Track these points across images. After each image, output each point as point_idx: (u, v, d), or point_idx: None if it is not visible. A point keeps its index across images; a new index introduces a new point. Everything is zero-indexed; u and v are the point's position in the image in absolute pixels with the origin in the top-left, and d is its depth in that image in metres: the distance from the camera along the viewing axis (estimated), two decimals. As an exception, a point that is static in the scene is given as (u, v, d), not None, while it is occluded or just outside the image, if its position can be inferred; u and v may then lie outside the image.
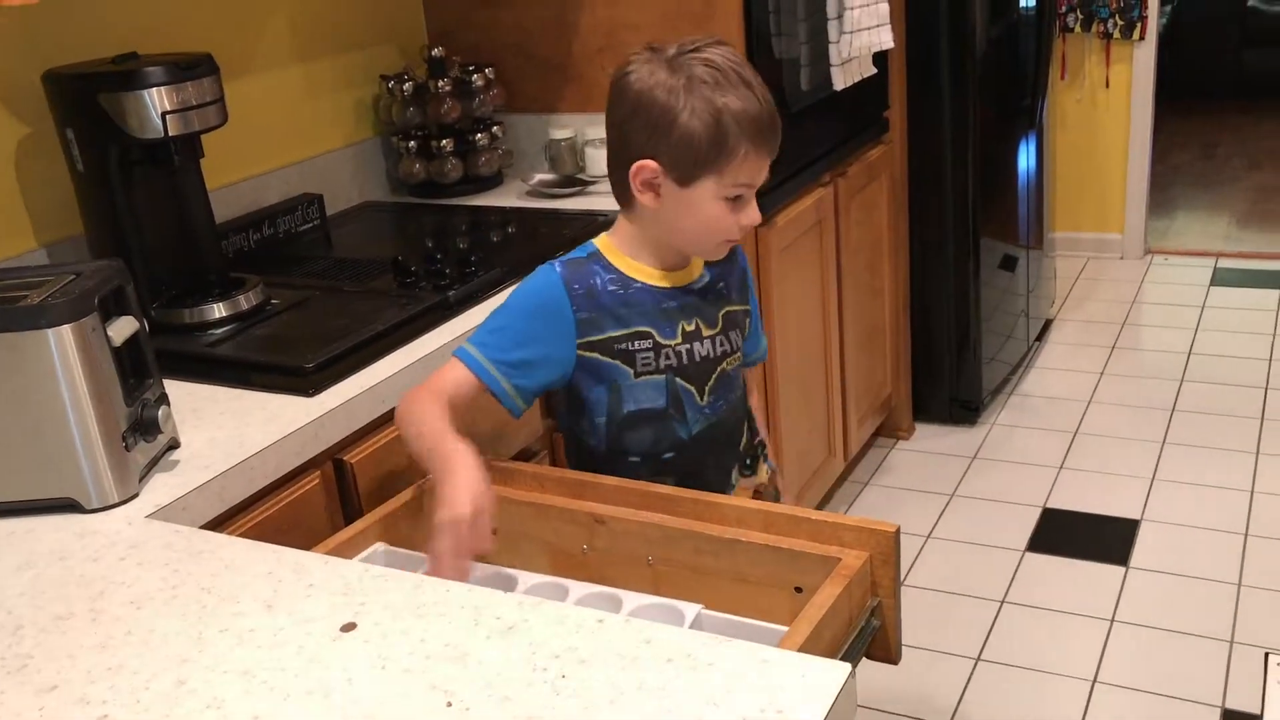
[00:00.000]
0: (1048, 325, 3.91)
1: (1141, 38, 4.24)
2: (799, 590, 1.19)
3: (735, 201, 1.31)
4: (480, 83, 2.36)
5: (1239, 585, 2.50)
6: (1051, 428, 3.26)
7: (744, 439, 1.52)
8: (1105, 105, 4.39)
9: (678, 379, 1.39)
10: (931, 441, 3.26)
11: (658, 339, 1.38)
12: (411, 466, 1.40)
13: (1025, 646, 2.38)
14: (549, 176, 2.35)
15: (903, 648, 1.25)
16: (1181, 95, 6.26)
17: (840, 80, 2.51)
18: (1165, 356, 3.67)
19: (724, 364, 1.43)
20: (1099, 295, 4.17)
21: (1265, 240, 4.64)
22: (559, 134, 2.38)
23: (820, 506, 2.91)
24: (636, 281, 1.38)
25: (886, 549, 1.17)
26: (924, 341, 3.28)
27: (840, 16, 2.45)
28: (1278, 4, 6.63)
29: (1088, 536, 2.74)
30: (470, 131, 2.35)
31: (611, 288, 1.37)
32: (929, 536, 2.80)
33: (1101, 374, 3.58)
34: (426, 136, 2.34)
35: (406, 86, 2.32)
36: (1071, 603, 2.50)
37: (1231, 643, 2.33)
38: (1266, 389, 3.36)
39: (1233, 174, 5.55)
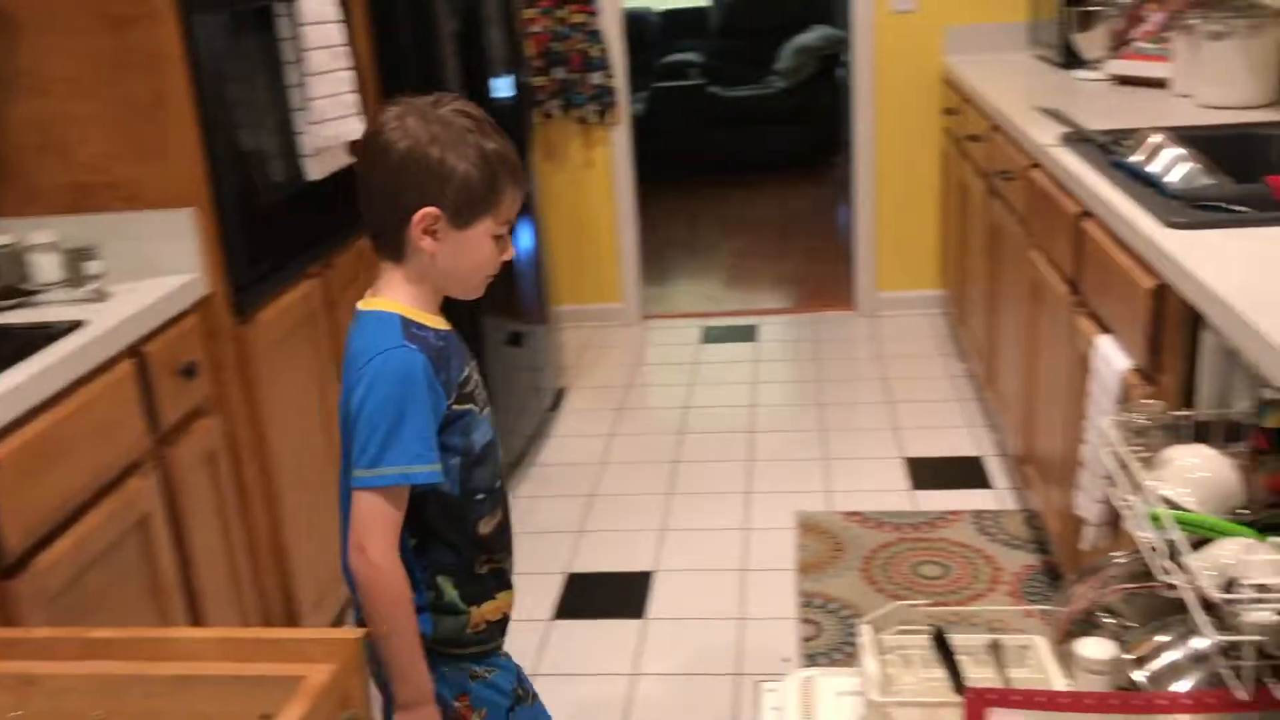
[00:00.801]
0: (561, 395, 4.07)
1: (616, 122, 4.58)
2: (267, 717, 1.10)
3: (498, 240, 1.45)
4: (-113, 188, 2.06)
5: (741, 620, 2.70)
6: (570, 493, 3.38)
7: None
8: (592, 185, 4.68)
9: (488, 410, 1.53)
10: (457, 524, 3.25)
11: (474, 374, 1.52)
12: None
13: (556, 716, 2.41)
14: (-15, 289, 2.08)
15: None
16: (664, 173, 6.86)
17: (314, 170, 2.46)
18: (667, 412, 3.94)
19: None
20: (606, 362, 4.41)
21: (743, 299, 5.15)
22: (-5, 241, 2.13)
23: (347, 608, 2.79)
24: (441, 330, 1.47)
25: (354, 658, 1.12)
26: (440, 425, 3.27)
27: (305, 108, 2.41)
28: (733, 90, 7.47)
29: (608, 595, 2.84)
30: (-121, 244, 2.04)
31: (439, 343, 1.45)
32: (459, 621, 2.78)
33: (612, 435, 3.77)
34: None
35: None
36: (598, 664, 2.58)
37: (737, 675, 2.50)
38: (751, 432, 3.70)
39: (714, 242, 6.14)
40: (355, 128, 2.56)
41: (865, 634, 1.66)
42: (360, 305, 1.49)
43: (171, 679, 1.11)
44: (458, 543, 1.52)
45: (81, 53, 2.07)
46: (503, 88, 3.49)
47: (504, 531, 1.58)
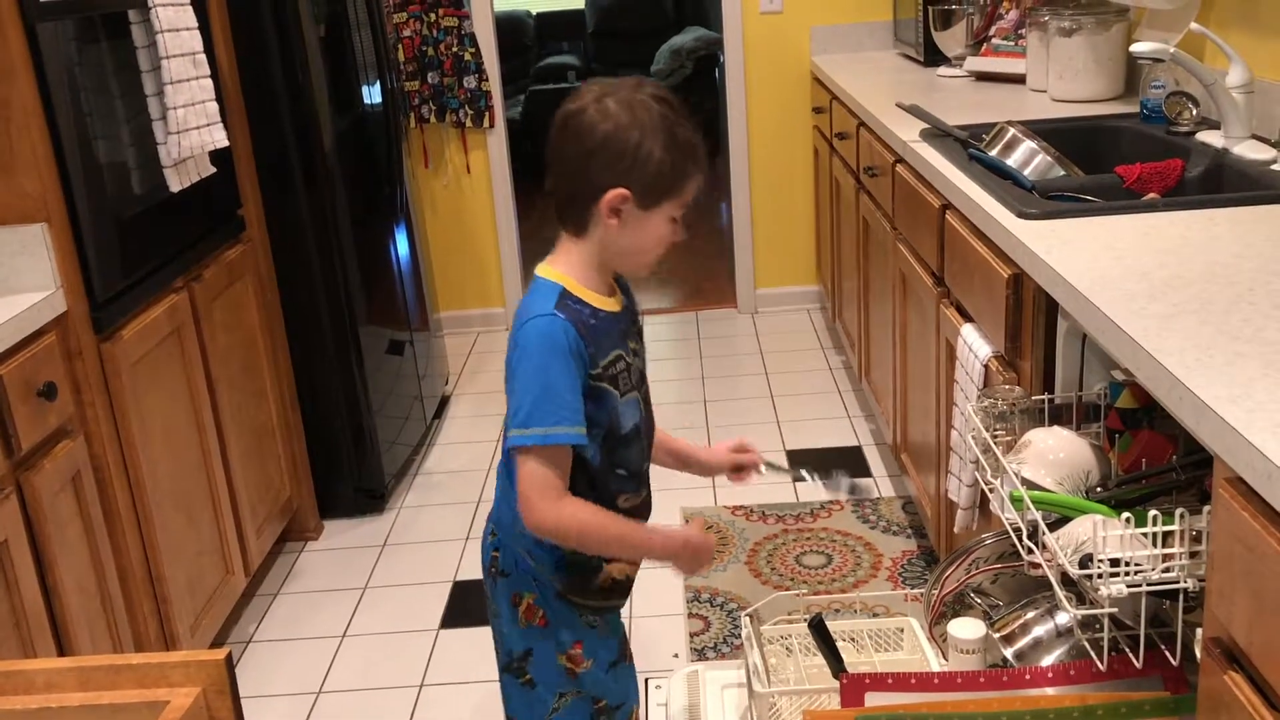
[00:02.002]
0: (445, 402, 4.03)
1: (491, 126, 4.55)
2: (131, 747, 1.06)
3: (674, 222, 1.50)
4: None
5: (630, 617, 2.71)
6: (456, 501, 3.34)
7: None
8: (470, 190, 4.65)
9: (638, 393, 1.56)
10: (341, 537, 3.20)
11: (626, 359, 1.53)
12: None
13: (447, 726, 2.39)
14: None
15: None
16: (544, 176, 6.84)
17: (175, 181, 2.39)
18: (552, 416, 3.92)
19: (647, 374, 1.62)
20: (490, 367, 4.38)
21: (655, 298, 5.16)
22: None
23: (227, 627, 2.73)
24: (601, 310, 1.51)
25: (219, 679, 1.08)
26: (320, 436, 3.21)
27: (164, 117, 2.34)
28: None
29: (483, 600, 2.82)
30: None
31: (592, 319, 1.49)
32: (344, 635, 2.73)
33: (498, 441, 3.74)
34: None
35: None
36: (486, 670, 2.55)
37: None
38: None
39: (595, 243, 6.14)
40: (219, 137, 2.50)
41: (746, 626, 1.68)
42: (537, 269, 1.56)
43: (24, 713, 1.07)
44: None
45: (-82, 63, 1.98)
46: (372, 94, 3.44)
47: (642, 510, 1.66)
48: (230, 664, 1.09)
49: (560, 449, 1.46)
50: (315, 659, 2.64)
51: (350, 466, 3.27)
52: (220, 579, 2.60)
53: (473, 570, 2.96)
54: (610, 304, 1.53)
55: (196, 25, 2.46)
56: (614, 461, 1.57)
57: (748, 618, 1.70)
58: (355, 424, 3.23)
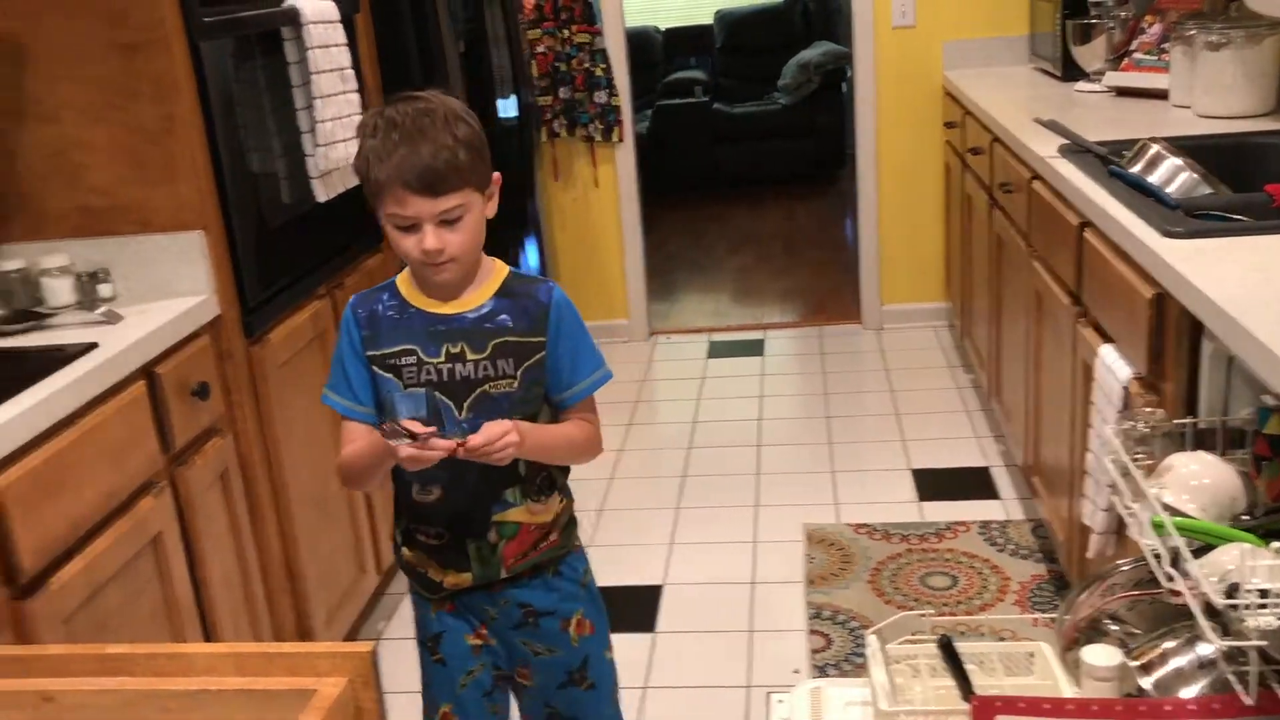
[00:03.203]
0: (569, 412, 4.08)
1: (620, 140, 4.61)
2: (280, 731, 1.11)
3: (408, 230, 1.53)
4: (-98, 215, 2.09)
5: (750, 631, 2.71)
6: (579, 509, 3.37)
7: (526, 465, 1.63)
8: (598, 203, 4.71)
9: (438, 393, 1.57)
10: (467, 541, 3.27)
11: (421, 356, 1.58)
12: None
13: (568, 730, 2.42)
14: (-1, 313, 2.11)
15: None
16: (670, 190, 6.90)
17: (322, 193, 2.49)
18: (674, 428, 3.95)
19: (486, 386, 1.59)
20: (613, 377, 4.42)
21: (749, 314, 5.17)
22: (8, 265, 2.16)
23: (358, 625, 2.81)
24: (412, 307, 1.60)
25: (365, 671, 1.13)
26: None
27: (313, 130, 2.44)
28: (737, 106, 7.51)
29: (618, 609, 2.84)
30: (-105, 271, 2.07)
31: (390, 312, 1.61)
32: (470, 637, 2.79)
33: (620, 451, 3.78)
34: None
35: None
36: (608, 678, 2.58)
37: (749, 687, 2.51)
38: (759, 446, 3.71)
39: (718, 257, 6.16)
40: (362, 149, 2.59)
41: (872, 643, 1.67)
42: None
43: (185, 694, 1.13)
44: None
45: (91, 80, 2.10)
46: (508, 108, 3.52)
47: (439, 511, 1.67)
48: (375, 657, 1.14)
49: (343, 425, 1.65)
50: (441, 659, 2.70)
51: (477, 472, 3.34)
52: (354, 577, 2.69)
53: (595, 576, 2.99)
54: (429, 304, 1.61)
55: (345, 42, 2.56)
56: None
57: (873, 636, 1.69)
58: (483, 430, 3.29)
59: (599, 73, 4.53)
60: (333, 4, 2.54)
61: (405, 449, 1.49)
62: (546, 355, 1.62)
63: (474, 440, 1.50)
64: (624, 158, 4.66)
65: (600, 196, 4.71)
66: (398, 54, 2.99)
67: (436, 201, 1.51)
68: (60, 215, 2.19)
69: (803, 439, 3.74)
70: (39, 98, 2.10)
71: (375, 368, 1.61)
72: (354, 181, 2.64)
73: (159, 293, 2.15)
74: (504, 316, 1.61)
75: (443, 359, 1.59)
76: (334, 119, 2.47)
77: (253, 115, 2.34)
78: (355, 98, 2.58)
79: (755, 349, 4.66)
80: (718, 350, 4.68)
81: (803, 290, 5.47)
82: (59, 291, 2.14)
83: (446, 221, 1.53)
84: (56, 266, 2.14)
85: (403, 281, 1.64)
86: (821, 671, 2.50)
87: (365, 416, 1.63)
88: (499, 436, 1.51)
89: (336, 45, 2.52)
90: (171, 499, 1.98)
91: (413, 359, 1.59)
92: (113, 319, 2.05)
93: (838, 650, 2.59)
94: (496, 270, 1.66)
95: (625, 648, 2.68)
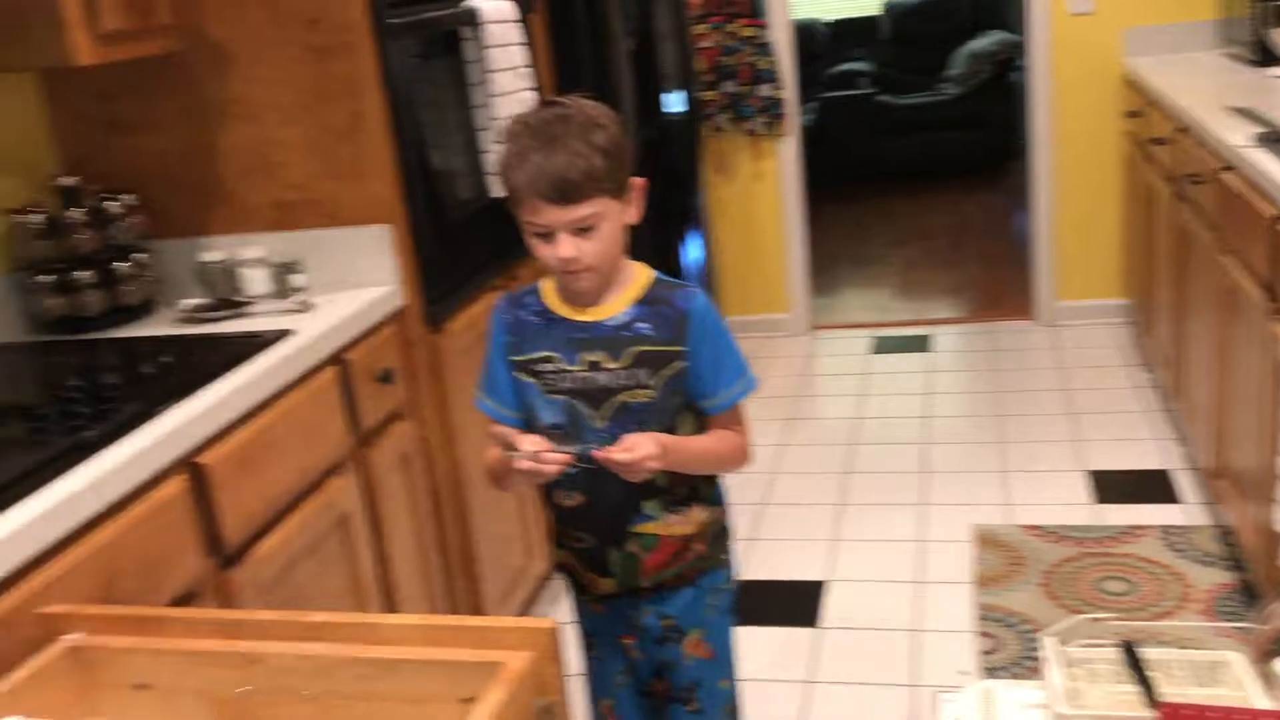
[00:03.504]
0: (731, 405, 4.09)
1: (785, 133, 4.59)
2: (468, 701, 1.17)
3: (544, 238, 1.52)
4: (119, 209, 2.24)
5: (916, 631, 2.67)
6: (739, 502, 3.37)
7: (666, 476, 1.61)
8: (761, 196, 4.70)
9: (575, 401, 1.57)
10: (631, 530, 3.31)
11: (561, 363, 1.58)
12: (56, 628, 1.29)
13: (731, 720, 2.44)
14: (202, 301, 2.25)
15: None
16: (832, 183, 6.82)
17: (497, 188, 2.56)
18: (837, 423, 3.92)
19: (624, 395, 1.57)
20: (774, 372, 4.42)
21: (914, 309, 5.08)
22: (211, 257, 2.30)
23: (526, 608, 2.88)
24: (554, 314, 1.61)
25: (549, 647, 1.17)
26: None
27: (489, 127, 2.51)
28: (903, 98, 7.38)
29: (780, 603, 2.85)
30: (112, 261, 2.23)
31: (533, 317, 1.62)
32: (634, 625, 2.83)
33: (782, 446, 3.77)
34: (64, 269, 2.20)
35: (36, 219, 2.17)
36: (769, 670, 2.59)
37: (913, 686, 2.47)
38: (926, 444, 3.65)
39: (883, 251, 6.07)
40: (536, 145, 2.66)
41: (1050, 645, 1.63)
42: None
43: (381, 662, 1.19)
44: None
45: (287, 82, 2.22)
46: (675, 103, 3.55)
47: (584, 516, 1.67)
48: (558, 634, 1.18)
49: (488, 420, 1.66)
50: (606, 644, 2.75)
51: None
52: (523, 562, 2.76)
53: (756, 570, 3.01)
54: (570, 311, 1.60)
55: (521, 41, 2.63)
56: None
57: (1052, 637, 1.65)
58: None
59: (764, 66, 4.51)
60: (510, 3, 2.61)
61: (522, 462, 1.50)
62: (688, 364, 1.59)
63: (615, 455, 1.49)
64: (787, 151, 4.63)
65: (763, 190, 4.70)
66: (570, 52, 3.05)
67: (570, 210, 1.49)
68: (257, 209, 2.32)
69: (972, 437, 3.66)
70: (244, 99, 2.23)
71: (517, 373, 1.62)
72: (528, 176, 2.72)
73: (347, 283, 2.26)
74: (643, 325, 1.58)
75: (582, 367, 1.58)
76: (510, 116, 2.54)
77: (433, 113, 2.43)
78: (530, 95, 2.65)
79: (921, 345, 4.58)
80: (882, 346, 4.62)
81: (971, 285, 5.34)
82: (256, 281, 2.26)
83: (582, 230, 1.51)
84: (254, 258, 2.27)
85: (546, 286, 1.64)
86: (990, 674, 2.45)
87: (511, 420, 1.64)
88: (639, 452, 1.49)
89: (513, 44, 2.59)
90: (358, 479, 2.08)
91: (552, 365, 1.59)
92: (305, 308, 2.16)
93: (1008, 653, 2.53)
94: (638, 276, 1.63)
95: (787, 642, 2.69)
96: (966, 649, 2.57)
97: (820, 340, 4.77)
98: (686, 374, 1.59)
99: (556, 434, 1.56)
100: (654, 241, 3.31)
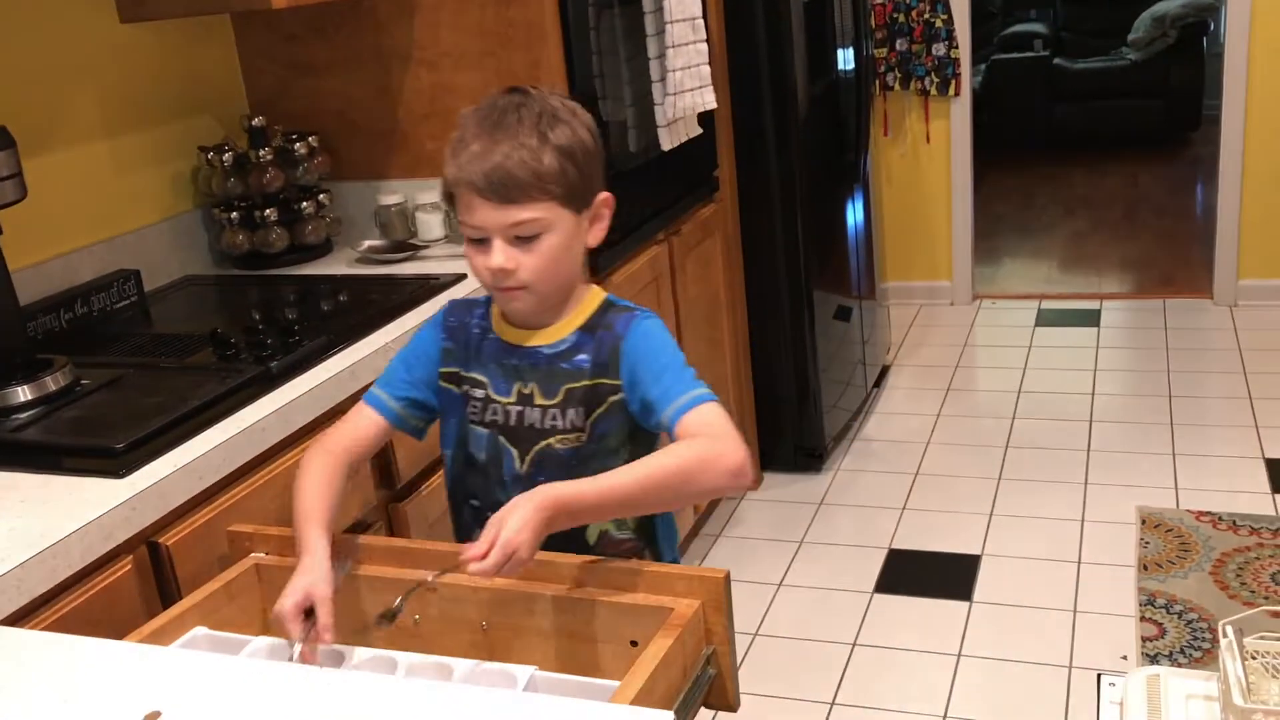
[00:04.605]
0: (885, 371, 4.03)
1: (957, 94, 4.45)
2: (635, 644, 1.18)
3: (478, 244, 1.29)
4: (304, 151, 2.32)
5: (1074, 611, 2.59)
6: (893, 470, 3.34)
7: (596, 530, 1.38)
8: (928, 159, 4.58)
9: (501, 438, 1.36)
10: (779, 490, 3.30)
11: (490, 392, 1.37)
12: (242, 546, 1.35)
13: (877, 687, 2.42)
14: (380, 242, 2.31)
15: (749, 695, 1.25)
16: (1000, 148, 6.60)
17: (667, 141, 2.55)
18: (997, 396, 3.81)
19: (552, 439, 1.33)
20: (932, 340, 4.32)
21: (1083, 282, 4.89)
22: (389, 200, 2.36)
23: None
24: (492, 332, 1.39)
25: (717, 596, 1.17)
26: (767, 392, 3.33)
27: (663, 79, 2.50)
28: (1079, 62, 7.07)
29: (932, 574, 2.80)
30: (295, 200, 2.31)
31: (476, 330, 1.40)
32: (780, 584, 2.83)
33: (938, 416, 3.69)
34: (250, 207, 2.29)
35: (226, 157, 2.26)
36: (919, 641, 2.55)
37: (1070, 667, 2.40)
38: (1091, 422, 3.52)
39: (1050, 221, 5.85)
40: (709, 99, 2.64)
41: (1229, 634, 1.56)
42: None
43: (551, 599, 1.21)
44: None
45: (468, 27, 2.25)
46: (845, 60, 3.48)
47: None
48: (729, 583, 1.17)
49: (368, 418, 1.40)
50: (754, 603, 2.75)
51: (792, 424, 3.36)
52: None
53: (908, 539, 2.96)
54: (508, 332, 1.37)
55: (698, -8, 2.61)
56: (464, 487, 1.42)
57: (1229, 626, 1.58)
58: (801, 383, 3.31)
59: (939, 24, 4.38)
60: (688, -46, 2.59)
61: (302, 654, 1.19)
62: (624, 396, 1.33)
63: (470, 566, 1.15)
64: (959, 113, 4.49)
65: (930, 153, 4.57)
66: (743, 5, 3.01)
67: (507, 211, 1.25)
68: (433, 155, 2.36)
69: (1140, 418, 3.51)
70: (425, 43, 2.27)
71: (446, 384, 1.39)
72: (697, 130, 2.70)
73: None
74: (582, 356, 1.34)
75: (513, 399, 1.35)
76: (683, 68, 2.53)
77: (608, 63, 2.43)
78: (704, 47, 2.63)
79: (1090, 319, 4.41)
80: (1047, 319, 4.46)
81: (1145, 260, 5.11)
82: (431, 225, 2.32)
83: (521, 239, 1.27)
84: (429, 202, 2.32)
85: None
86: (1153, 660, 2.36)
87: (391, 414, 1.40)
88: (497, 555, 1.14)
89: (690, -5, 2.57)
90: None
91: (482, 393, 1.37)
92: (477, 253, 2.20)
93: (1172, 640, 2.43)
94: (589, 299, 1.38)
95: (940, 613, 2.64)
96: (1127, 633, 2.48)
97: (983, 310, 4.64)
98: (624, 406, 1.34)
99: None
100: (812, 202, 3.26)
